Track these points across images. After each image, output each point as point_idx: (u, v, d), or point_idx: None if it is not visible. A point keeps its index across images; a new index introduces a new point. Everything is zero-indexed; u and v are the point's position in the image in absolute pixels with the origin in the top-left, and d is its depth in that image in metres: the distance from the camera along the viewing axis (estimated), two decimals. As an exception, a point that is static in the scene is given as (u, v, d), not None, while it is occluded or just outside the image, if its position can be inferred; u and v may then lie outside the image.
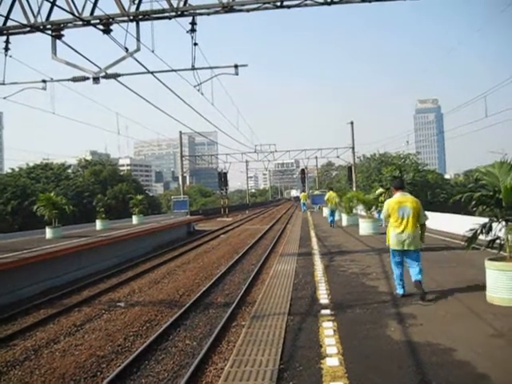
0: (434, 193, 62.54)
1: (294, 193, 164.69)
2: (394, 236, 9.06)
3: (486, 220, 8.90)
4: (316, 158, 61.51)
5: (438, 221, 23.48)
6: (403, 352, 6.04)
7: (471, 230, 8.94)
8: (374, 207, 21.95)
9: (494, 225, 8.68)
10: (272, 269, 13.73)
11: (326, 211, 33.66)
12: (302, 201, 55.21)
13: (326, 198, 29.49)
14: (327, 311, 8.27)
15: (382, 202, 13.45)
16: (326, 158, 62.09)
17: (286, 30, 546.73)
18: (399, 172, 15.00)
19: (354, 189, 43.17)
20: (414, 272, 9.02)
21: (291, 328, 7.40)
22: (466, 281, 10.13)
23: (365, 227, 21.69)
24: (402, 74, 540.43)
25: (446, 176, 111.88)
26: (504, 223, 8.50)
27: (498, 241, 8.60)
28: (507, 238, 8.31)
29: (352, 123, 48.66)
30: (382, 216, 10.23)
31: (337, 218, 30.12)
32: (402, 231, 8.97)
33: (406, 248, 9.01)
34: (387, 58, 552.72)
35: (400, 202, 9.10)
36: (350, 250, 16.21)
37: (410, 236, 8.95)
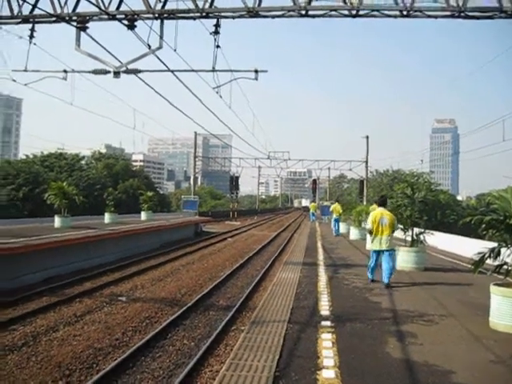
0: (445, 213, 62.25)
1: (304, 202, 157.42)
2: (377, 239, 12.35)
3: (495, 244, 8.84)
4: (329, 169, 61.32)
5: (445, 241, 23.37)
6: (401, 370, 6.00)
7: (479, 253, 8.87)
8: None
9: (503, 250, 8.62)
10: (276, 276, 13.71)
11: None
12: (311, 211, 55.09)
13: (331, 209, 34.12)
14: (327, 323, 8.24)
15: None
16: (338, 169, 61.94)
17: (308, 38, 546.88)
18: (411, 190, 14.87)
19: (365, 203, 43.02)
20: (385, 273, 12.14)
21: (290, 336, 7.38)
22: (470, 304, 10.08)
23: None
24: (421, 92, 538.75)
25: (458, 197, 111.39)
26: (513, 249, 8.43)
27: (505, 266, 8.53)
28: (515, 264, 8.23)
29: (367, 137, 48.59)
30: (367, 225, 13.06)
31: (344, 231, 30.27)
32: (382, 235, 12.27)
33: (383, 248, 12.22)
34: (407, 75, 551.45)
35: (381, 214, 12.55)
36: (356, 264, 16.15)
37: (386, 239, 12.24)
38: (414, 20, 12.97)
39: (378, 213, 12.60)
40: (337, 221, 31.34)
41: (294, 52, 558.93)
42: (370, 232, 12.52)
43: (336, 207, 32.06)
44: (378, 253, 12.40)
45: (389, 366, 6.12)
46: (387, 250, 12.23)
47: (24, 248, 14.52)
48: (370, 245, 12.84)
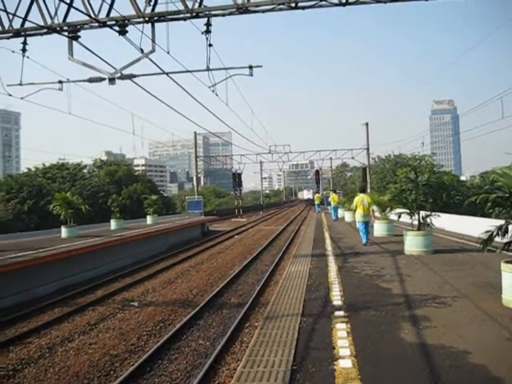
0: (450, 194, 62.13)
1: (306, 193, 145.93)
2: (360, 214, 18.34)
3: (503, 222, 8.82)
4: (330, 158, 61.23)
5: (452, 222, 23.33)
6: (417, 355, 6.00)
7: (487, 231, 8.86)
8: (388, 209, 21.77)
9: (510, 227, 8.60)
10: (285, 270, 13.71)
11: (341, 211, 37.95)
12: (316, 202, 55.02)
13: (329, 199, 40.65)
14: (341, 313, 8.24)
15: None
16: (340, 159, 61.89)
17: (302, 29, 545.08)
18: (414, 173, 14.86)
19: (369, 190, 43.04)
20: (367, 234, 18.41)
21: (304, 329, 7.38)
22: (481, 283, 10.06)
23: (379, 228, 21.58)
24: (418, 74, 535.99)
25: (462, 178, 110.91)
26: (520, 225, 8.41)
27: (514, 243, 8.51)
28: (523, 240, 8.22)
29: (367, 124, 48.53)
30: (352, 206, 20.13)
31: (351, 219, 30.44)
32: (363, 211, 18.34)
33: (364, 220, 18.31)
34: (403, 58, 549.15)
35: (362, 197, 18.80)
36: (364, 252, 16.14)
37: (366, 214, 18.41)
38: (407, 3, 12.90)
39: (360, 197, 18.88)
40: (334, 208, 37.24)
41: (290, 44, 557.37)
42: (354, 210, 19.21)
43: (333, 197, 38.23)
44: (363, 222, 18.34)
45: (405, 351, 6.13)
46: (367, 221, 18.54)
47: (33, 261, 14.57)
48: (357, 218, 18.67)
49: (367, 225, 18.57)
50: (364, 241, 18.30)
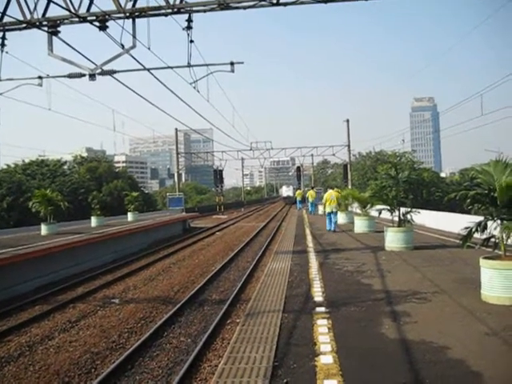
0: (430, 191, 62.68)
1: (285, 190, 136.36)
2: (329, 206, 22.73)
3: (481, 218, 8.92)
4: (312, 155, 61.18)
5: (433, 219, 23.53)
6: (397, 350, 6.05)
7: (466, 228, 8.96)
8: (369, 205, 21.93)
9: (489, 223, 8.71)
10: (267, 266, 13.73)
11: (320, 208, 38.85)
12: (297, 199, 55.12)
13: (307, 195, 45.39)
14: (322, 309, 8.28)
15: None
16: (321, 155, 61.76)
17: (283, 25, 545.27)
18: (395, 170, 15.11)
19: (350, 187, 43.32)
20: (333, 223, 22.73)
21: (285, 325, 7.40)
22: (460, 279, 10.17)
23: (360, 225, 21.73)
24: (399, 72, 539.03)
25: (442, 174, 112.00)
26: (499, 222, 8.52)
27: (492, 239, 8.62)
28: (502, 236, 8.33)
29: (348, 121, 48.69)
30: (323, 200, 25.01)
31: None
32: (330, 204, 22.71)
33: (332, 210, 22.70)
34: (384, 56, 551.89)
35: (330, 193, 23.45)
36: (345, 248, 16.23)
37: (333, 206, 22.75)
38: None
39: (329, 193, 23.82)
40: (312, 204, 41.58)
41: (271, 40, 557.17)
42: (324, 204, 23.73)
43: (311, 193, 42.49)
44: (329, 213, 22.84)
45: (385, 347, 6.18)
46: (333, 212, 22.90)
47: (12, 258, 14.41)
48: (326, 210, 23.11)
49: (335, 215, 23.24)
50: (328, 228, 22.91)
